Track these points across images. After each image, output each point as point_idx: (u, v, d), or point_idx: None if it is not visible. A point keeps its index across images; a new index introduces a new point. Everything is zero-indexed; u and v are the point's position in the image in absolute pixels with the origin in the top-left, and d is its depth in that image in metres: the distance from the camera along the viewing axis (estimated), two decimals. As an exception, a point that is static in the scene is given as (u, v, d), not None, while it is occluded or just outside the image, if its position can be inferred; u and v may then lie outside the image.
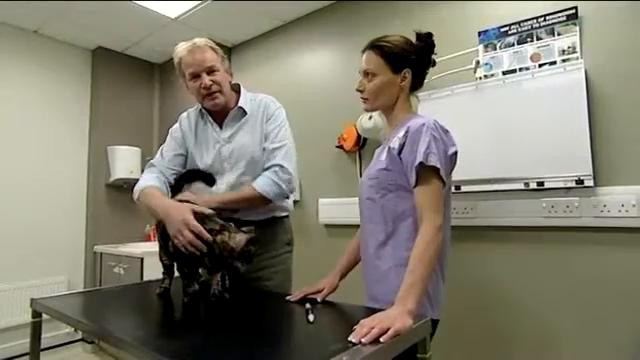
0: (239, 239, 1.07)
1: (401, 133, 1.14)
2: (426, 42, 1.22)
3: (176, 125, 1.56)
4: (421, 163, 1.06)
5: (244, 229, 1.11)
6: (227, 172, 1.45)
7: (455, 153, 1.16)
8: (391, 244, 1.14)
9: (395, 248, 1.13)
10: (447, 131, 1.16)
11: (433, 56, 1.26)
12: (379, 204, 1.17)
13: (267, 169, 1.39)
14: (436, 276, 1.14)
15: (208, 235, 1.08)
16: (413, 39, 1.25)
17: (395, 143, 1.14)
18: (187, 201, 1.22)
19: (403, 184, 1.13)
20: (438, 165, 1.07)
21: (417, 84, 1.26)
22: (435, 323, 1.12)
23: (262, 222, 1.44)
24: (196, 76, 1.40)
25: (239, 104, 1.47)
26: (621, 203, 1.57)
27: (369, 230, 1.21)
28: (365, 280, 1.25)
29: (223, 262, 1.08)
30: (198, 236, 1.09)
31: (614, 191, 1.60)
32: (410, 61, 1.20)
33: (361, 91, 1.24)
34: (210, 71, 1.41)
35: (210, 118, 1.49)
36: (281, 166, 1.37)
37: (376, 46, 1.21)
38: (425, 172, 1.07)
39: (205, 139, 1.49)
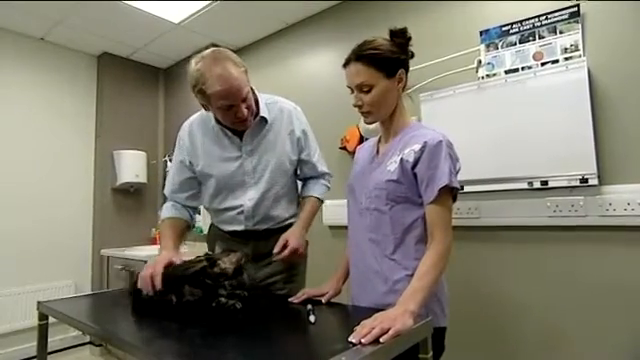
0: (235, 259, 1.11)
1: (417, 147, 1.10)
2: (404, 37, 1.16)
3: (178, 145, 1.46)
4: (446, 185, 1.05)
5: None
6: (251, 187, 1.39)
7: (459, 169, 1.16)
8: (399, 255, 1.12)
9: (403, 258, 1.11)
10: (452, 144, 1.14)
11: (411, 48, 1.19)
12: (387, 216, 1.13)
13: (316, 177, 1.57)
14: (443, 285, 1.15)
15: (158, 284, 1.10)
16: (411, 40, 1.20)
17: (409, 156, 1.10)
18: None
19: (411, 197, 1.11)
20: (458, 186, 1.09)
21: (405, 82, 1.21)
22: (443, 331, 1.13)
23: (283, 229, 1.44)
24: (231, 106, 1.24)
25: (261, 114, 1.38)
26: (627, 201, 1.56)
27: (373, 240, 1.16)
28: (359, 289, 1.22)
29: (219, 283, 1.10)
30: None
31: (619, 189, 1.58)
32: (401, 61, 1.16)
33: (359, 106, 1.16)
34: (244, 99, 1.25)
35: (228, 131, 1.38)
36: (327, 173, 1.61)
37: (361, 56, 1.12)
38: (444, 192, 1.06)
39: (220, 152, 1.39)
